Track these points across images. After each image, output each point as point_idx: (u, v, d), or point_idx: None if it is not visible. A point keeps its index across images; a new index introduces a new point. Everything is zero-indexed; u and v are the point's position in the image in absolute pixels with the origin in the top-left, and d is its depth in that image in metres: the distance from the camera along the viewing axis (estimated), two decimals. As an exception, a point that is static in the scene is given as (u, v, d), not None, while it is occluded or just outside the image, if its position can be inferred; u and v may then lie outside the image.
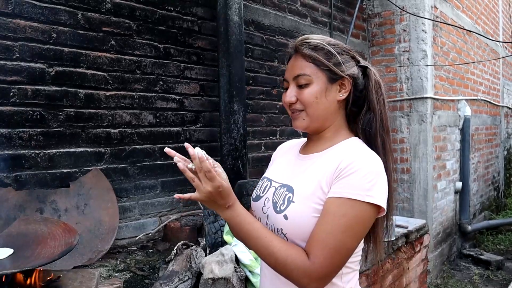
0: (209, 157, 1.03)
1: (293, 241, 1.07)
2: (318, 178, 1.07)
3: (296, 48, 1.14)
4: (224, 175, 1.06)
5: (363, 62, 1.17)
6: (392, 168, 1.12)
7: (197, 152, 0.99)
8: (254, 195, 1.25)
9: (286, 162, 1.25)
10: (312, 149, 1.18)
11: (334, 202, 1.01)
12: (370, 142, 1.12)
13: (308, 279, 0.98)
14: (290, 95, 1.13)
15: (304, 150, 1.22)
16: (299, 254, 1.00)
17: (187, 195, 1.02)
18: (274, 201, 1.13)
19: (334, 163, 1.06)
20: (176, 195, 1.02)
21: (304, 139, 1.27)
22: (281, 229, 1.08)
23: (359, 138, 1.15)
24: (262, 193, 1.21)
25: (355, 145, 1.11)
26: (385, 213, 1.06)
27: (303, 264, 0.99)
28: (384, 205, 1.02)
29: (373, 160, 1.05)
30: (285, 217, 1.07)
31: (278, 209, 1.10)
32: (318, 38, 1.14)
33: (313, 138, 1.20)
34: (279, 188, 1.16)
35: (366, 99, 1.14)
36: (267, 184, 1.22)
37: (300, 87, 1.12)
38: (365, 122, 1.14)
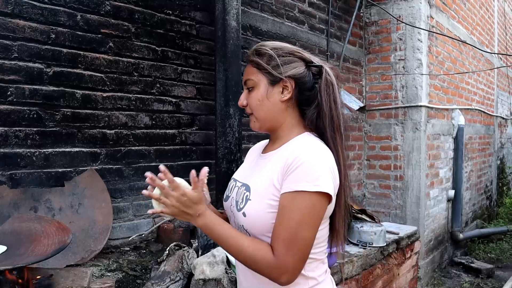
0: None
1: (254, 236, 1.14)
2: (270, 175, 1.14)
3: (247, 57, 1.24)
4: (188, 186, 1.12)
5: (318, 62, 1.20)
6: (343, 164, 1.17)
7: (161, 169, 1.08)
8: (224, 195, 1.33)
9: (250, 162, 1.35)
10: (270, 148, 1.27)
11: (286, 197, 1.07)
12: (322, 137, 1.19)
13: (277, 273, 1.06)
14: (242, 98, 1.25)
15: (264, 150, 1.31)
16: (266, 250, 1.07)
17: (158, 209, 1.09)
18: (236, 199, 1.22)
19: (283, 159, 1.12)
20: (150, 211, 1.09)
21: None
22: (242, 225, 1.16)
23: (313, 133, 1.21)
24: (230, 193, 1.29)
25: (303, 140, 1.17)
26: (333, 201, 1.12)
27: (271, 259, 1.06)
28: (331, 192, 1.08)
29: (318, 152, 1.10)
30: (244, 214, 1.15)
31: (238, 207, 1.19)
32: (267, 44, 1.20)
33: (272, 138, 1.28)
34: (240, 187, 1.24)
35: (316, 98, 1.19)
36: (233, 184, 1.30)
37: (249, 90, 1.22)
38: (309, 117, 1.20)
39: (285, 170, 1.09)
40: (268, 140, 1.34)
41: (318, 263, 1.19)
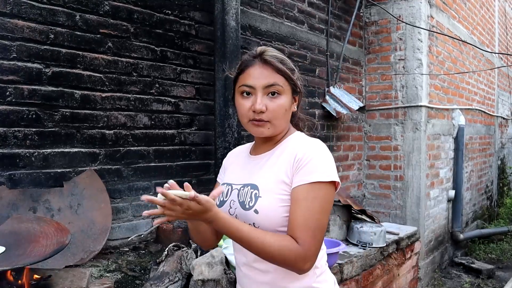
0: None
1: None
2: (277, 172, 1.20)
3: (263, 58, 1.21)
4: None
5: None
6: None
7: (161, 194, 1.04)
8: (217, 201, 1.30)
9: (240, 165, 1.36)
10: (262, 149, 1.31)
11: (302, 189, 1.14)
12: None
13: (303, 261, 1.11)
14: (263, 103, 1.19)
15: (255, 151, 1.34)
16: (290, 243, 1.11)
17: (164, 218, 1.07)
18: (241, 200, 1.23)
19: (289, 156, 1.20)
20: (156, 222, 1.07)
21: (250, 144, 1.40)
22: (253, 223, 1.18)
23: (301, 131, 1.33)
24: (225, 197, 1.29)
25: (301, 138, 1.26)
26: (339, 187, 1.21)
27: (297, 250, 1.10)
28: (339, 180, 1.18)
29: (320, 146, 1.20)
30: (256, 211, 1.18)
31: (247, 206, 1.20)
32: (279, 52, 1.26)
33: (262, 140, 1.30)
34: (241, 188, 1.26)
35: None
36: (228, 189, 1.31)
37: (270, 97, 1.20)
38: (297, 119, 1.34)
39: (295, 165, 1.16)
40: (248, 144, 1.41)
41: (322, 252, 1.27)
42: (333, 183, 1.17)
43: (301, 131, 1.33)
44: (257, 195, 1.19)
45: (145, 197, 1.02)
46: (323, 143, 1.23)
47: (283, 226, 1.16)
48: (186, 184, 1.05)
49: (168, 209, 1.04)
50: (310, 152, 1.16)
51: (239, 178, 1.31)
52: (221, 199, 1.30)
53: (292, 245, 1.10)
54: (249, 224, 1.18)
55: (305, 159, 1.15)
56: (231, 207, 1.25)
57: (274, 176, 1.20)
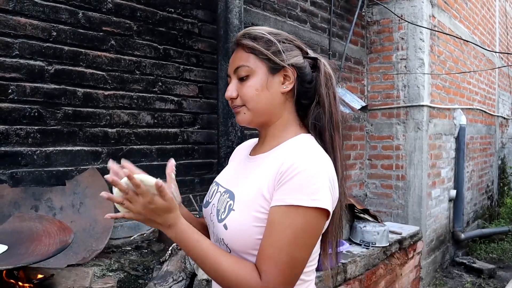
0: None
1: (235, 252, 0.99)
2: (259, 183, 0.98)
3: (237, 41, 1.06)
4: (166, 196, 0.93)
5: (312, 54, 1.09)
6: (341, 167, 1.04)
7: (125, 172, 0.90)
8: (204, 201, 1.17)
9: (236, 164, 1.18)
10: (260, 149, 1.10)
11: (278, 211, 0.91)
12: (321, 138, 1.04)
13: None
14: (231, 89, 1.04)
15: (254, 150, 1.14)
16: (250, 273, 0.92)
17: (119, 214, 0.93)
18: (218, 208, 1.05)
19: (275, 166, 0.96)
20: (107, 215, 0.93)
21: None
22: (222, 239, 1.01)
23: (311, 134, 1.06)
24: (210, 198, 1.13)
25: (300, 143, 1.02)
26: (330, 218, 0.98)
27: (256, 284, 0.90)
28: (330, 208, 0.94)
29: (317, 159, 0.95)
30: (225, 226, 0.99)
31: (219, 217, 1.02)
32: (260, 28, 1.06)
33: (262, 136, 1.11)
34: (223, 194, 1.07)
35: (316, 92, 1.06)
36: (215, 189, 1.14)
37: (241, 80, 1.03)
38: (313, 116, 1.05)
39: (277, 179, 0.93)
40: (257, 138, 1.18)
41: (306, 285, 1.03)
42: (323, 210, 0.91)
43: (323, 131, 1.05)
44: (231, 206, 1.00)
45: (104, 193, 0.89)
46: (325, 156, 0.98)
47: (256, 250, 0.95)
48: (157, 180, 0.90)
49: (129, 198, 0.90)
50: (297, 164, 0.91)
51: (226, 180, 1.13)
52: (207, 200, 1.14)
53: (251, 276, 0.90)
54: (220, 238, 1.01)
55: (290, 173, 0.91)
56: (211, 212, 1.08)
57: (254, 187, 0.98)
